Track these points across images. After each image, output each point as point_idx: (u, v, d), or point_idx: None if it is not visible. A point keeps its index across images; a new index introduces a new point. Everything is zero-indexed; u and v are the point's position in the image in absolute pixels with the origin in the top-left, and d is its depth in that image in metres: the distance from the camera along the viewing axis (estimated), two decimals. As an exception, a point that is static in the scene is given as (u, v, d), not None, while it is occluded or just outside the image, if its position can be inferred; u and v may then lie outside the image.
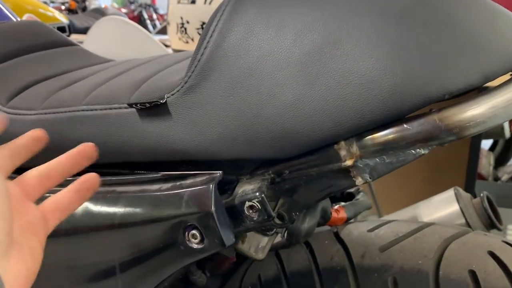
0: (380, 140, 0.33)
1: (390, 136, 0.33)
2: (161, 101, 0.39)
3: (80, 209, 0.44)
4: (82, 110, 0.44)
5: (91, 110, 0.43)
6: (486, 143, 2.13)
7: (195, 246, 0.37)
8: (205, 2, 1.24)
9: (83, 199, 0.35)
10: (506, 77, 0.35)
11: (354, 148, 0.34)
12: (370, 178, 0.35)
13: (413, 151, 0.33)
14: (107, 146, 0.42)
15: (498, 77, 0.33)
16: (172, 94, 0.39)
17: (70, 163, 0.36)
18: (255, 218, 0.37)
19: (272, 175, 0.38)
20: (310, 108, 0.34)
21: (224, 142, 0.37)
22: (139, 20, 7.05)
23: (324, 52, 0.34)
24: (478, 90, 0.34)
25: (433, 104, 0.32)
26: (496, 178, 1.84)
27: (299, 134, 0.35)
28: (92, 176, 0.35)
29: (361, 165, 0.34)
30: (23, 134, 0.36)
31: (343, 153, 0.35)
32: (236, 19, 0.37)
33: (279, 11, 0.36)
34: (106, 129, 0.42)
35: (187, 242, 0.37)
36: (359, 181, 0.35)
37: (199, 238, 0.37)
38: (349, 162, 0.35)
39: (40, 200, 0.34)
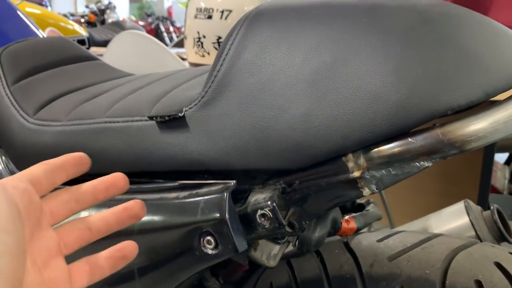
0: (386, 153, 0.35)
1: (395, 149, 0.35)
2: (180, 114, 0.41)
3: (101, 215, 0.46)
4: (105, 122, 0.46)
5: (114, 122, 0.46)
6: (501, 157, 2.11)
7: (210, 251, 0.39)
8: (221, 18, 1.28)
9: (115, 268, 0.34)
10: (508, 93, 0.36)
11: (362, 160, 0.36)
12: (376, 189, 0.36)
13: (417, 163, 0.35)
14: (128, 156, 0.45)
15: (499, 94, 0.35)
16: (190, 108, 0.41)
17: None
18: (266, 226, 0.39)
19: (283, 185, 0.40)
20: (319, 122, 0.36)
21: (238, 153, 0.40)
22: (156, 32, 7.17)
23: (332, 69, 0.36)
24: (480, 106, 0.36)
25: (436, 119, 0.34)
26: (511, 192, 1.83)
27: (309, 146, 0.37)
28: (129, 244, 0.34)
29: (368, 177, 0.36)
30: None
31: (351, 165, 0.37)
32: (250, 38, 0.40)
33: (291, 31, 0.39)
34: (127, 140, 0.44)
35: (202, 248, 0.39)
36: (366, 191, 0.37)
37: (213, 244, 0.39)
38: (356, 174, 0.36)
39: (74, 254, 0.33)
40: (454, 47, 0.35)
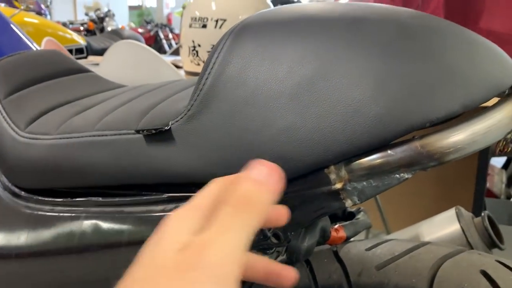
0: (367, 165, 0.36)
1: (376, 162, 0.35)
2: (166, 127, 0.42)
3: (90, 228, 0.47)
4: (94, 136, 0.47)
5: (102, 135, 0.46)
6: (499, 161, 2.11)
7: (195, 264, 0.40)
8: (215, 26, 1.29)
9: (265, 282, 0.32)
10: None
11: (343, 172, 0.37)
12: (358, 200, 0.37)
13: (397, 175, 0.35)
14: (116, 169, 0.45)
15: (477, 105, 0.35)
16: (176, 121, 0.42)
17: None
18: (251, 238, 0.39)
19: (268, 197, 0.41)
20: (302, 135, 0.36)
21: (223, 166, 0.40)
22: (155, 39, 7.20)
23: (314, 83, 0.36)
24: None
25: (415, 131, 0.35)
26: (509, 196, 1.83)
27: (292, 159, 0.37)
28: (290, 272, 0.33)
29: (349, 188, 0.37)
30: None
31: (333, 176, 0.37)
32: (235, 52, 0.40)
33: (274, 45, 0.39)
34: (115, 154, 0.45)
35: (189, 260, 0.40)
36: (348, 203, 0.37)
37: (199, 256, 0.39)
38: (338, 185, 0.37)
39: None
40: (433, 60, 0.36)
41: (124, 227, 0.44)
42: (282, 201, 0.41)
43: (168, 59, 1.82)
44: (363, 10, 0.40)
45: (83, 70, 0.68)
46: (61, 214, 0.50)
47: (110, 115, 0.50)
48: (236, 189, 0.28)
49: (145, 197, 0.45)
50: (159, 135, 0.42)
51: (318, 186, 0.38)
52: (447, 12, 1.09)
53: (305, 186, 0.39)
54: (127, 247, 0.44)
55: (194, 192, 0.44)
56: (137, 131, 0.43)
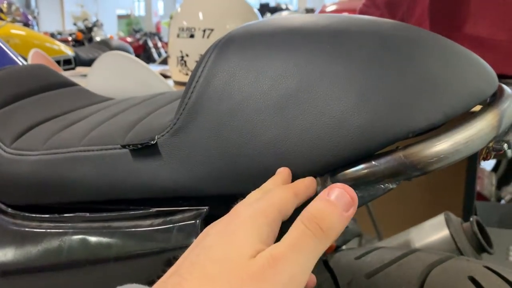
0: (351, 176, 0.36)
1: (360, 172, 0.36)
2: (152, 142, 0.42)
3: (78, 243, 0.46)
4: (80, 151, 0.47)
5: (88, 150, 0.46)
6: (489, 164, 2.13)
7: (184, 278, 0.39)
8: (203, 36, 1.29)
9: None
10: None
11: (329, 183, 0.37)
12: (344, 211, 0.37)
13: (382, 185, 0.36)
14: (103, 184, 0.45)
15: (458, 114, 0.36)
16: (162, 135, 0.42)
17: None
18: (239, 251, 0.39)
19: (256, 209, 0.41)
20: (287, 148, 0.37)
21: (210, 179, 0.40)
22: (144, 48, 7.19)
23: (298, 96, 0.37)
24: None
25: (399, 142, 0.35)
26: (499, 199, 1.84)
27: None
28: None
29: (336, 199, 0.37)
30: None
31: (318, 188, 0.37)
32: (220, 66, 0.41)
33: (259, 58, 0.39)
34: (102, 169, 0.45)
35: (177, 274, 0.40)
36: (335, 214, 0.37)
37: (187, 270, 0.39)
38: (324, 197, 0.37)
39: None
40: (415, 71, 0.36)
41: (112, 242, 0.44)
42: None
43: (157, 69, 1.82)
44: (345, 23, 0.41)
45: (69, 84, 0.68)
46: (49, 230, 0.49)
47: (96, 130, 0.49)
48: (311, 206, 0.29)
49: (132, 212, 0.45)
50: (145, 149, 0.42)
51: (305, 198, 0.38)
52: (432, 18, 1.10)
53: (292, 198, 0.39)
54: (115, 262, 0.43)
55: (182, 206, 0.44)
56: (123, 146, 0.43)
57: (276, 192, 0.32)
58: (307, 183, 0.35)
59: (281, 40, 0.40)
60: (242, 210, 0.31)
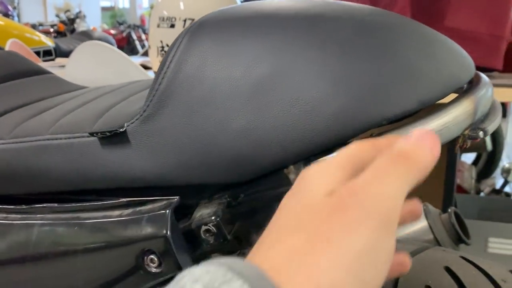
0: (325, 164, 0.35)
1: (334, 161, 0.35)
2: (121, 130, 0.40)
3: (46, 235, 0.45)
4: (47, 140, 0.45)
5: (56, 139, 0.44)
6: (469, 157, 2.15)
7: (153, 270, 0.38)
8: (184, 26, 1.27)
9: None
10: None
11: (302, 172, 0.36)
12: (318, 200, 0.36)
13: (356, 174, 0.35)
14: (71, 174, 0.44)
15: (433, 102, 0.35)
16: (132, 123, 0.40)
17: None
18: (211, 242, 0.38)
19: (228, 199, 0.40)
20: (259, 135, 0.36)
21: (181, 168, 0.39)
22: (128, 40, 7.10)
23: (272, 82, 0.36)
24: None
25: (373, 129, 0.34)
26: (479, 192, 1.87)
27: (250, 159, 0.36)
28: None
29: (309, 188, 0.36)
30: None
31: (292, 176, 0.36)
32: (191, 51, 0.39)
33: (232, 43, 0.38)
34: (69, 158, 0.43)
35: (146, 266, 0.38)
36: (308, 203, 0.36)
37: (157, 262, 0.38)
38: (298, 186, 0.36)
39: None
40: (390, 58, 0.35)
41: (80, 234, 0.43)
42: (243, 202, 0.40)
43: (139, 60, 1.79)
44: (321, 7, 0.40)
45: (41, 72, 0.65)
46: (16, 221, 0.48)
47: (65, 117, 0.48)
48: (393, 147, 0.24)
49: (101, 202, 0.43)
50: (114, 137, 0.41)
51: (278, 187, 0.37)
52: (414, 10, 1.10)
53: (266, 187, 0.38)
54: (83, 255, 0.42)
55: (153, 195, 0.43)
56: (91, 134, 0.42)
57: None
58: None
59: (255, 25, 0.39)
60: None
